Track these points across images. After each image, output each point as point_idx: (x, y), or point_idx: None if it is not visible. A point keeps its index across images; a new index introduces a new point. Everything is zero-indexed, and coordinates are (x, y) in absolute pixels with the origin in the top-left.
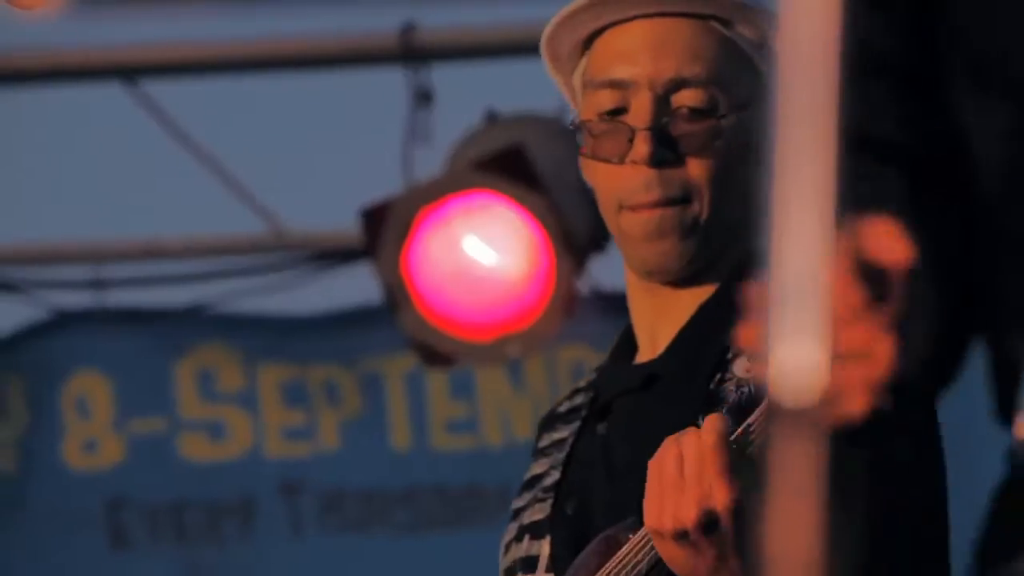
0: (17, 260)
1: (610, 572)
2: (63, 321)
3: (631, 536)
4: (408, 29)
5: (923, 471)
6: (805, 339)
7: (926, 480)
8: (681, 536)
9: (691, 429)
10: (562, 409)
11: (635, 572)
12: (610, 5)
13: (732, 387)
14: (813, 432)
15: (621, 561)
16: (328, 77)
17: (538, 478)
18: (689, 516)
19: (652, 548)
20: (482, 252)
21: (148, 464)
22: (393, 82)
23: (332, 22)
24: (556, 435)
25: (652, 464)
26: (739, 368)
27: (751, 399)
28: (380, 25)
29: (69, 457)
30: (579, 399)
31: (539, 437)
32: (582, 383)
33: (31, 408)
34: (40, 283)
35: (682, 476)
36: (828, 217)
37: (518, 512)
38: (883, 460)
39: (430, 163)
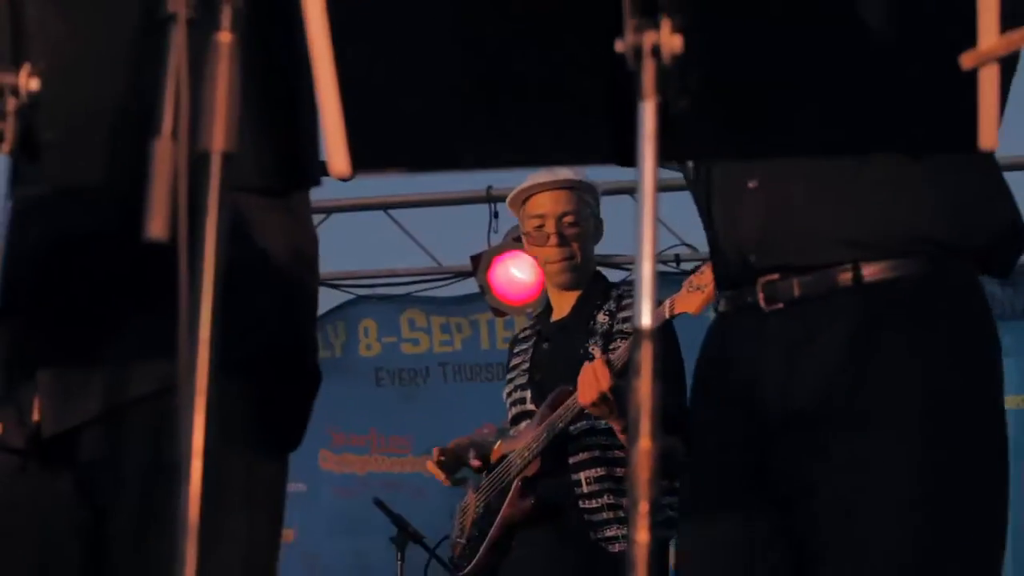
0: (336, 277)
1: (566, 407)
2: (358, 300)
3: (572, 389)
4: (489, 188)
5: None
6: (647, 301)
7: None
8: (594, 404)
9: (598, 359)
10: (521, 336)
11: (575, 411)
12: (535, 188)
13: (598, 327)
14: (653, 341)
15: (568, 405)
16: (462, 208)
17: (516, 366)
18: (593, 396)
19: (578, 401)
20: (517, 272)
21: (389, 354)
22: (484, 210)
23: (462, 185)
24: (521, 347)
25: (580, 377)
26: (599, 319)
27: (608, 331)
28: (478, 185)
29: (361, 351)
30: (528, 331)
31: (512, 346)
32: (528, 325)
33: (346, 332)
34: (347, 285)
35: (587, 379)
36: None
37: (510, 380)
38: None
39: (496, 240)
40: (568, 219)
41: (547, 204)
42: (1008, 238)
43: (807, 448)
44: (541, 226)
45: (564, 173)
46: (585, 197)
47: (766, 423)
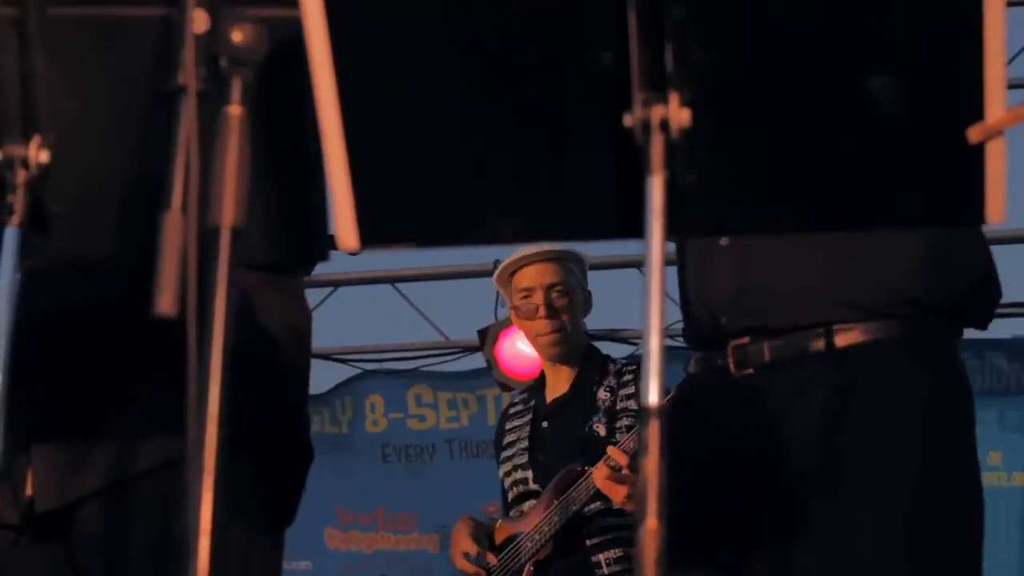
0: (343, 352)
1: (577, 487)
2: (365, 375)
3: (581, 469)
4: (496, 262)
5: None
6: (654, 377)
7: None
8: (630, 496)
9: (611, 449)
10: (512, 412)
11: (589, 490)
12: (520, 261)
13: (600, 404)
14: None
15: (581, 486)
16: (469, 282)
17: (512, 443)
18: (622, 494)
19: (593, 484)
20: (524, 346)
21: (396, 430)
22: (491, 283)
23: (469, 259)
24: (514, 423)
25: (601, 485)
26: (601, 395)
27: (611, 408)
28: (485, 259)
29: (368, 427)
30: (520, 407)
31: (503, 423)
32: (518, 400)
33: (353, 407)
34: (354, 360)
35: (609, 481)
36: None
37: (507, 459)
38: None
39: (503, 313)
40: (556, 290)
41: (534, 276)
42: (984, 289)
43: (780, 518)
44: (528, 298)
45: (549, 244)
46: (572, 268)
47: (731, 492)
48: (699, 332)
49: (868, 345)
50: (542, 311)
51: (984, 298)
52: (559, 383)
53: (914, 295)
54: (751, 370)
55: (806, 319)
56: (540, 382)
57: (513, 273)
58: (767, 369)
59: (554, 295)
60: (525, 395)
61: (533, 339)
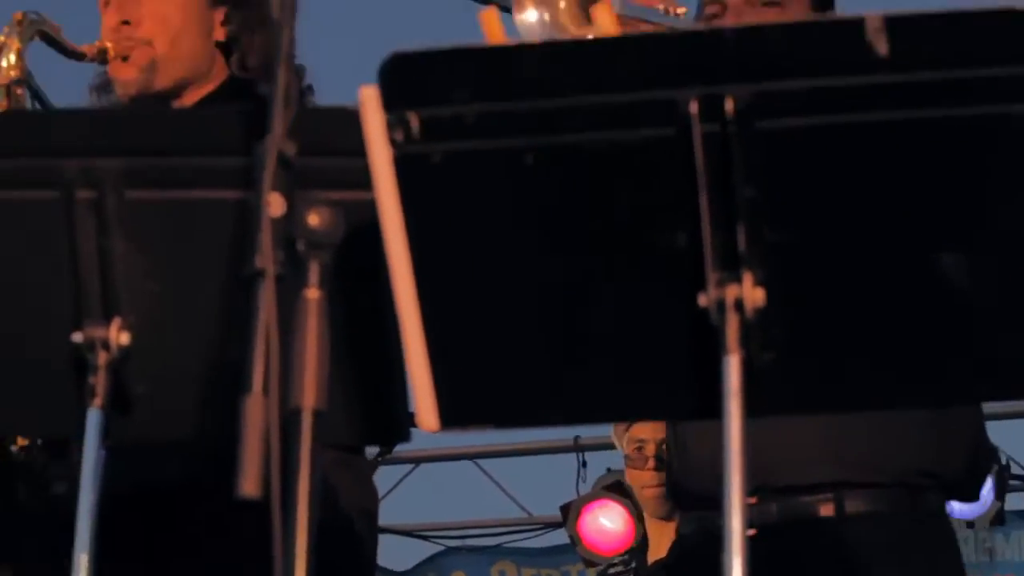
0: (425, 528)
1: None
2: (448, 552)
3: None
4: (577, 438)
5: None
6: (738, 557)
7: None
8: None
9: None
10: (612, 572)
11: None
12: None
13: None
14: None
15: None
16: (550, 457)
17: None
18: None
19: None
20: (607, 522)
21: None
22: (572, 459)
23: (551, 435)
24: None
25: None
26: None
27: None
28: (566, 435)
29: None
30: (620, 567)
31: None
32: (618, 561)
33: None
34: (436, 536)
35: None
36: (741, 511)
37: None
38: None
39: (584, 489)
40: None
41: (648, 430)
42: (980, 461)
43: None
44: (641, 449)
45: None
46: None
47: None
48: (694, 490)
49: (878, 514)
50: (651, 463)
51: (979, 471)
52: (662, 542)
53: (922, 467)
54: (754, 531)
55: (813, 479)
56: (643, 543)
57: (630, 425)
58: (773, 531)
59: (665, 450)
60: (626, 556)
61: (639, 491)
